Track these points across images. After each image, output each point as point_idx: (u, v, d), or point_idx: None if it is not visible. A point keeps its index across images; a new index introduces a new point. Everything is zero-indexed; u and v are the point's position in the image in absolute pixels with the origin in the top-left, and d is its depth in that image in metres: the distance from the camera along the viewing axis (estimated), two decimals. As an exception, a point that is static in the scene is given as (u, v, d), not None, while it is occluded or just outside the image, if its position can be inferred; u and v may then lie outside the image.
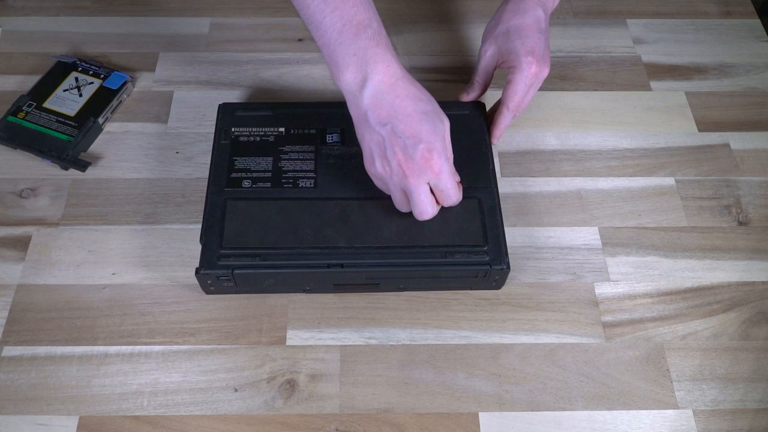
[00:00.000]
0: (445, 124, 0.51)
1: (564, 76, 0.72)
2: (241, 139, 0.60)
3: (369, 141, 0.51)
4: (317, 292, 0.56)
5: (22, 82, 0.69)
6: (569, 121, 0.68)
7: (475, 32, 0.76)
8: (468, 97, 0.63)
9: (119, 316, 0.55)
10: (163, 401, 0.51)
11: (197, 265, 0.53)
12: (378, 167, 0.51)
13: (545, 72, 0.58)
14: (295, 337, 0.54)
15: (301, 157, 0.59)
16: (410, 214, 0.54)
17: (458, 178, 0.53)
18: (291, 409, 0.51)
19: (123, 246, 0.59)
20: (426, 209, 0.52)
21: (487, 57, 0.60)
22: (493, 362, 0.54)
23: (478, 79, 0.62)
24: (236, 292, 0.56)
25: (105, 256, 0.58)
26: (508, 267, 0.54)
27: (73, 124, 0.64)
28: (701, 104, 0.70)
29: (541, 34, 0.58)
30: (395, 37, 0.75)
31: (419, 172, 0.49)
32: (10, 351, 0.53)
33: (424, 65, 0.72)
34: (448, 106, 0.63)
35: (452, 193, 0.52)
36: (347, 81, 0.49)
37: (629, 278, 0.58)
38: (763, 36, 0.76)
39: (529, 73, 0.57)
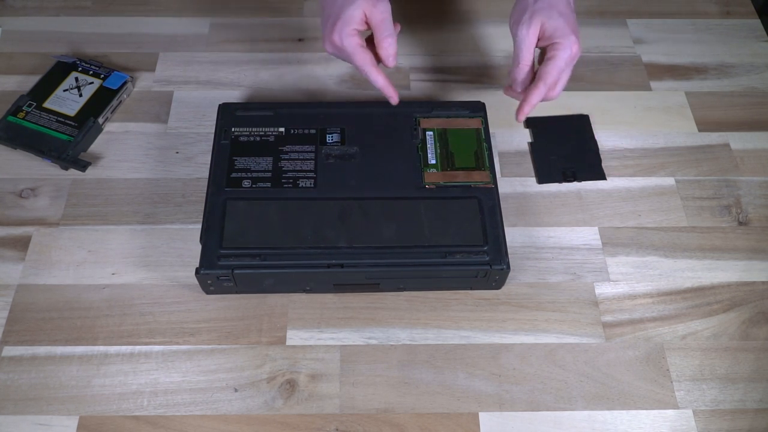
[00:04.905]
0: (357, 2, 0.54)
1: (564, 76, 0.72)
2: (241, 139, 0.60)
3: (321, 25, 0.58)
4: (317, 292, 0.56)
5: (22, 82, 0.69)
6: (569, 121, 0.68)
7: (476, 32, 0.76)
8: (518, 85, 0.58)
9: (119, 316, 0.55)
10: (163, 401, 0.51)
11: (197, 265, 0.53)
12: (323, 44, 0.58)
13: (580, 53, 0.57)
14: (295, 337, 0.54)
15: (301, 157, 0.59)
16: (409, 214, 0.55)
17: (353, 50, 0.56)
18: (291, 409, 0.51)
19: (123, 246, 0.59)
20: (360, 66, 0.57)
21: (530, 35, 0.56)
22: (493, 362, 0.54)
23: (526, 62, 0.57)
24: (236, 292, 0.56)
25: (105, 256, 0.58)
26: (508, 267, 0.54)
27: (73, 124, 0.64)
28: (701, 104, 0.70)
29: (573, 12, 0.58)
30: (395, 37, 0.75)
31: (331, 44, 0.57)
32: (10, 351, 0.53)
33: (424, 65, 0.72)
34: (448, 106, 0.63)
35: (353, 58, 0.56)
36: None
37: (629, 278, 0.58)
38: (763, 36, 0.76)
39: (572, 52, 0.55)
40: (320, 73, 0.71)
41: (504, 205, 0.59)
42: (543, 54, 0.58)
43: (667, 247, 0.60)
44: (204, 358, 0.53)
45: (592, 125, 0.68)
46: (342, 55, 0.58)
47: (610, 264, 0.59)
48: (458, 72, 0.72)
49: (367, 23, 0.56)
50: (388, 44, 0.56)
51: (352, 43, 0.56)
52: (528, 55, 0.56)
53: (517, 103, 0.58)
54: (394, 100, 0.60)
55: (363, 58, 0.56)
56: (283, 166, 0.58)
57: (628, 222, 0.61)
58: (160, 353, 0.53)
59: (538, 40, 0.57)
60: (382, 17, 0.55)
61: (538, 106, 0.65)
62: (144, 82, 0.70)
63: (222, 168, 0.58)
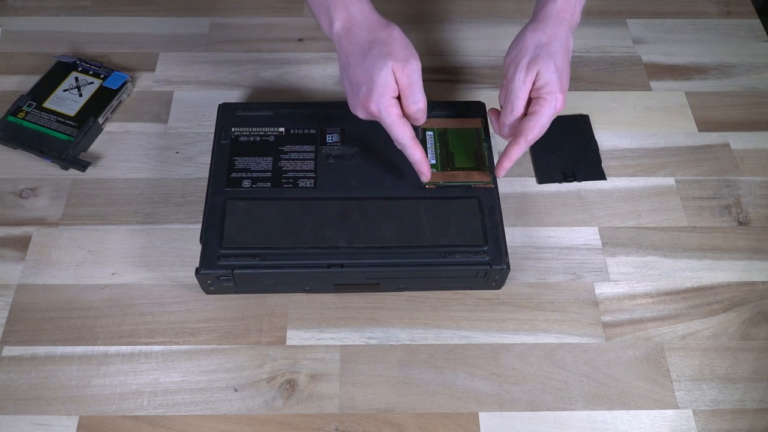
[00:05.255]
0: (388, 65, 0.50)
1: (564, 76, 0.72)
2: (241, 139, 0.60)
3: (343, 83, 0.55)
4: (317, 292, 0.56)
5: (22, 82, 0.69)
6: (569, 121, 0.68)
7: (475, 32, 0.76)
8: (506, 130, 0.56)
9: (119, 316, 0.55)
10: (163, 401, 0.51)
11: (197, 265, 0.53)
12: (351, 108, 0.55)
13: (563, 107, 0.55)
14: (295, 337, 0.54)
15: (301, 157, 0.59)
16: (409, 214, 0.55)
17: (395, 110, 0.52)
18: (291, 409, 0.51)
19: (123, 246, 0.59)
20: (398, 140, 0.54)
21: (526, 84, 0.53)
22: (493, 362, 0.54)
23: (519, 110, 0.54)
24: (236, 292, 0.56)
25: (105, 256, 0.58)
26: (508, 267, 0.54)
27: (73, 124, 0.64)
28: (701, 104, 0.70)
29: (569, 65, 0.56)
30: (395, 37, 0.75)
31: (366, 112, 0.53)
32: (10, 351, 0.53)
33: (424, 65, 0.72)
34: (448, 106, 0.63)
35: (392, 130, 0.53)
36: (325, 29, 0.54)
37: (629, 278, 0.58)
38: (763, 36, 0.76)
39: (556, 110, 0.54)
40: (320, 73, 0.71)
41: (504, 205, 0.59)
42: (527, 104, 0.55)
43: (667, 247, 0.60)
44: (204, 358, 0.53)
45: (592, 125, 0.68)
46: (376, 120, 0.54)
47: (610, 264, 0.59)
48: (458, 72, 0.72)
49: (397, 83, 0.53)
50: (415, 110, 0.53)
51: (392, 115, 0.52)
52: (522, 104, 0.54)
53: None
54: (426, 177, 0.56)
55: (403, 133, 0.53)
56: (283, 166, 0.58)
57: (628, 222, 0.61)
58: (160, 353, 0.53)
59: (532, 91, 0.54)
60: (410, 81, 0.52)
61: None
62: (144, 82, 0.70)
63: (222, 168, 0.58)
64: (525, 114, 0.55)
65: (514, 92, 0.54)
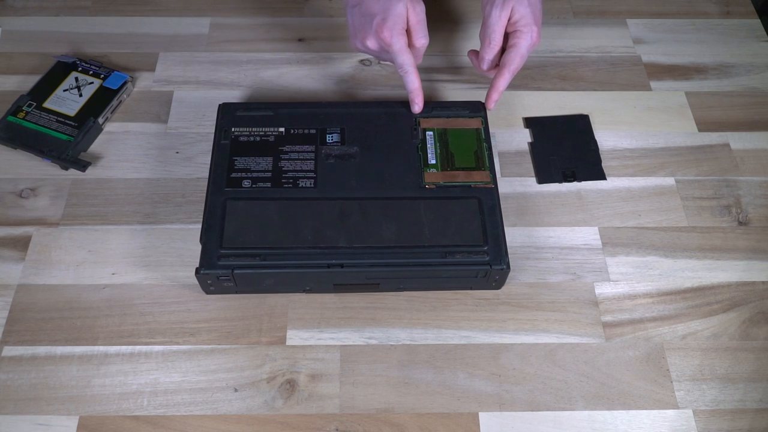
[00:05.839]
0: (403, 2, 0.57)
1: (564, 76, 0.72)
2: (241, 139, 0.60)
3: (350, 19, 0.61)
4: (317, 292, 0.56)
5: (22, 82, 0.69)
6: (569, 121, 0.68)
7: (475, 32, 0.76)
8: (486, 64, 0.63)
9: (119, 316, 0.55)
10: (163, 401, 0.51)
11: (197, 265, 0.53)
12: (360, 41, 0.60)
13: (539, 40, 0.62)
14: (295, 337, 0.55)
15: (301, 157, 0.59)
16: (409, 214, 0.55)
17: (404, 53, 0.59)
18: (291, 409, 0.51)
19: (123, 246, 0.59)
20: (402, 65, 0.60)
21: (502, 18, 0.60)
22: (493, 362, 0.54)
23: (497, 43, 0.62)
24: (236, 292, 0.56)
25: (105, 256, 0.58)
26: (508, 267, 0.54)
27: (73, 124, 0.64)
28: (701, 104, 0.70)
29: (541, 2, 0.63)
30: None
31: (377, 39, 0.59)
32: (10, 351, 0.53)
33: (425, 65, 0.72)
34: (448, 106, 0.63)
35: (398, 55, 0.59)
36: None
37: (629, 278, 0.58)
38: (763, 36, 0.76)
39: (532, 41, 0.61)
40: (320, 73, 0.71)
41: (504, 205, 0.59)
42: (505, 39, 0.62)
43: (667, 247, 0.60)
44: (204, 358, 0.53)
45: (592, 125, 0.68)
46: (381, 52, 0.61)
47: (610, 264, 0.59)
48: (458, 72, 0.72)
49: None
50: (421, 45, 0.61)
51: (401, 42, 0.58)
52: (500, 37, 0.61)
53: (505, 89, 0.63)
54: (419, 107, 0.62)
55: (408, 59, 0.59)
56: (283, 166, 0.58)
57: (628, 222, 0.61)
58: (160, 353, 0.54)
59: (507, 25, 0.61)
60: (419, 19, 0.59)
61: (534, 104, 0.70)
62: (144, 82, 0.70)
63: (222, 168, 0.58)
64: (503, 49, 0.62)
65: (490, 27, 0.61)
